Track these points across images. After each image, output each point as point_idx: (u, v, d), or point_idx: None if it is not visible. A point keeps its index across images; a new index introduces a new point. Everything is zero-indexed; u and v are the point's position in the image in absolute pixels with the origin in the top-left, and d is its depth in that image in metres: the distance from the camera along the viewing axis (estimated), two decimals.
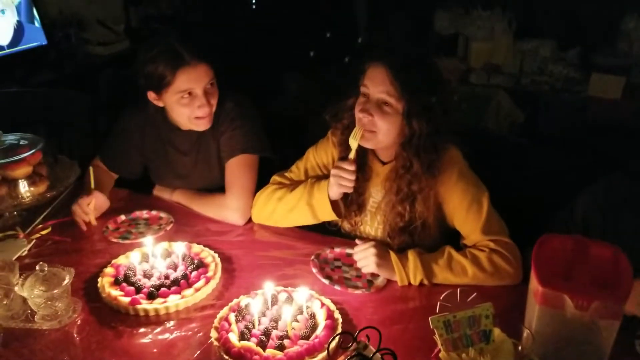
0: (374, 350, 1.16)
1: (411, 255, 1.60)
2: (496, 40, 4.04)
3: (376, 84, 1.61)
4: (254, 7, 4.95)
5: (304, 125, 2.51)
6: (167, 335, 1.44)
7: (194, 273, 1.61)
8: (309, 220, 1.82)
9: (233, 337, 1.34)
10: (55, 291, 1.44)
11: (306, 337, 1.34)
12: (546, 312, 1.22)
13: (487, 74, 3.97)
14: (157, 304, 1.50)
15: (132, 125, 2.12)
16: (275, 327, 1.38)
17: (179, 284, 1.57)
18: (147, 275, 1.61)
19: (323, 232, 1.88)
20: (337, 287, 1.58)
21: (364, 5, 4.84)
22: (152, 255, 1.68)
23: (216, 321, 1.42)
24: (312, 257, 1.70)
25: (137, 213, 2.01)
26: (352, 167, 1.67)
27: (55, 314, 1.47)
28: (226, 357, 1.29)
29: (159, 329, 1.46)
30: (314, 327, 1.38)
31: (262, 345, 1.32)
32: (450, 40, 4.22)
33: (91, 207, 1.91)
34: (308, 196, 1.78)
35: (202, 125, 1.94)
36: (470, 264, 1.58)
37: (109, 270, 1.64)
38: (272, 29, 4.71)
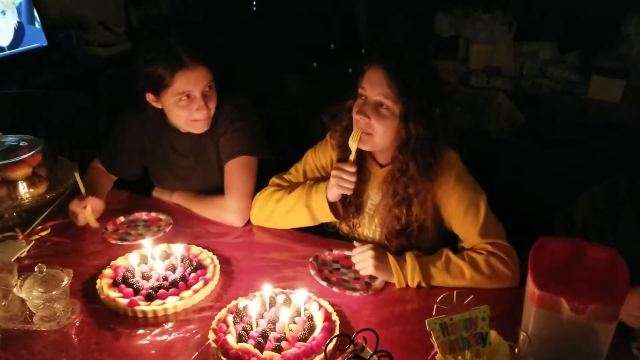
0: (371, 353, 1.16)
1: (409, 258, 1.60)
2: (496, 43, 4.05)
3: (374, 86, 1.61)
4: (254, 8, 4.95)
5: (304, 127, 2.51)
6: (165, 336, 1.44)
7: (193, 275, 1.62)
8: (307, 222, 1.83)
9: (231, 339, 1.34)
10: (53, 292, 1.44)
11: (304, 339, 1.35)
12: (543, 314, 1.23)
13: (488, 76, 3.97)
14: (156, 306, 1.50)
15: (131, 127, 2.12)
16: (273, 329, 1.38)
17: (177, 286, 1.57)
18: (146, 277, 1.62)
19: (321, 234, 1.89)
20: (335, 289, 1.58)
21: (365, 6, 4.84)
22: (150, 256, 1.68)
23: (214, 323, 1.42)
24: (311, 259, 1.70)
25: (137, 215, 2.01)
26: (352, 169, 1.67)
27: (53, 315, 1.47)
28: (224, 358, 1.29)
29: (157, 331, 1.46)
30: (311, 329, 1.38)
31: (260, 347, 1.33)
32: (450, 42, 4.22)
33: (88, 210, 1.91)
34: (306, 198, 1.78)
35: (199, 128, 1.94)
36: (468, 267, 1.58)
37: (107, 271, 1.65)
38: (272, 30, 4.71)
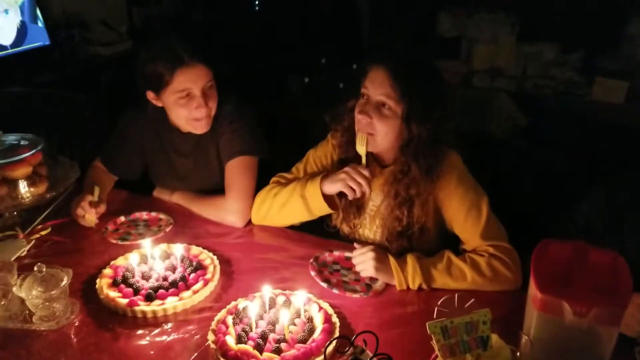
0: (371, 355, 1.15)
1: (410, 260, 1.59)
2: (499, 43, 4.03)
3: (376, 86, 1.61)
4: (257, 7, 4.94)
5: (306, 127, 2.50)
6: (164, 337, 1.43)
7: (192, 275, 1.61)
8: (302, 214, 1.81)
9: (230, 340, 1.34)
10: (53, 292, 1.44)
11: (303, 341, 1.34)
12: (545, 318, 1.21)
13: (490, 76, 3.97)
14: (155, 306, 1.50)
15: (132, 126, 2.12)
16: (273, 331, 1.38)
17: (177, 286, 1.56)
18: (146, 277, 1.61)
19: (322, 235, 1.88)
20: (335, 291, 1.57)
21: (367, 6, 4.83)
22: (150, 256, 1.68)
23: (213, 324, 1.41)
24: (311, 260, 1.70)
25: (137, 214, 2.01)
26: (367, 173, 1.66)
27: (53, 315, 1.47)
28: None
29: (156, 331, 1.45)
30: (311, 331, 1.37)
31: (259, 348, 1.32)
32: (453, 43, 4.21)
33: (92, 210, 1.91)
34: (301, 188, 1.78)
35: (199, 128, 1.94)
36: (470, 269, 1.57)
37: (107, 271, 1.64)
38: (274, 30, 4.71)
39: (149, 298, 1.52)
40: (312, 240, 1.85)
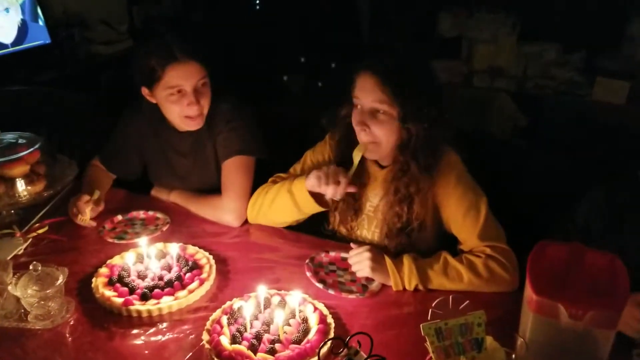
0: (365, 356, 1.15)
1: (406, 260, 1.59)
2: (500, 43, 4.02)
3: (367, 94, 1.60)
4: (257, 7, 4.94)
5: (306, 127, 2.50)
6: (159, 337, 1.43)
7: (188, 274, 1.61)
8: (291, 210, 1.80)
9: (224, 340, 1.33)
10: (48, 291, 1.44)
11: (298, 342, 1.34)
12: (540, 320, 1.21)
13: (490, 77, 3.95)
14: (150, 305, 1.49)
15: (131, 126, 2.12)
16: (267, 331, 1.37)
17: (172, 286, 1.56)
18: (141, 276, 1.60)
19: (319, 235, 1.88)
20: (331, 292, 1.57)
21: (368, 6, 4.82)
22: (146, 256, 1.67)
23: (208, 323, 1.41)
24: (307, 261, 1.69)
25: (134, 213, 2.00)
26: (345, 180, 1.63)
27: (48, 314, 1.47)
28: None
29: (151, 331, 1.45)
30: (306, 332, 1.37)
31: (253, 349, 1.32)
32: (453, 43, 4.20)
33: (88, 209, 1.91)
34: (289, 184, 1.78)
35: (192, 125, 1.94)
36: (466, 270, 1.57)
37: (103, 270, 1.64)
38: (276, 30, 4.70)
39: (144, 297, 1.52)
40: (308, 240, 1.85)
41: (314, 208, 1.76)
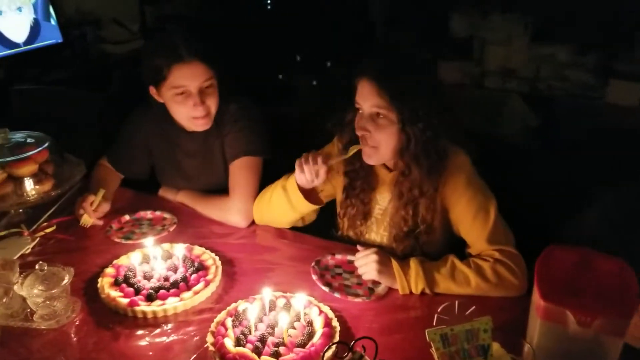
0: None
1: (413, 263, 1.57)
2: (512, 44, 3.99)
3: (365, 99, 1.59)
4: (269, 7, 4.94)
5: (315, 128, 2.49)
6: (164, 338, 1.42)
7: (194, 276, 1.60)
8: (286, 209, 1.80)
9: (229, 343, 1.33)
10: (54, 291, 1.44)
11: (302, 345, 1.32)
12: (548, 327, 1.19)
13: (503, 78, 3.92)
14: (155, 306, 1.49)
15: (139, 126, 2.12)
16: (272, 334, 1.36)
17: (178, 287, 1.55)
18: (147, 277, 1.60)
19: (326, 237, 1.87)
20: (336, 295, 1.55)
21: (380, 6, 4.81)
22: (152, 256, 1.67)
23: (213, 325, 1.40)
24: (313, 264, 1.68)
25: (141, 213, 2.00)
26: (323, 167, 1.65)
27: (53, 314, 1.47)
28: None
29: (156, 332, 1.45)
30: (310, 335, 1.36)
31: (258, 351, 1.31)
32: (465, 43, 4.17)
33: (92, 208, 1.92)
34: (284, 180, 1.78)
35: (200, 126, 1.94)
36: (474, 274, 1.55)
37: (109, 270, 1.64)
38: (287, 30, 4.70)
39: (149, 298, 1.51)
40: (315, 242, 1.84)
41: (304, 205, 1.76)
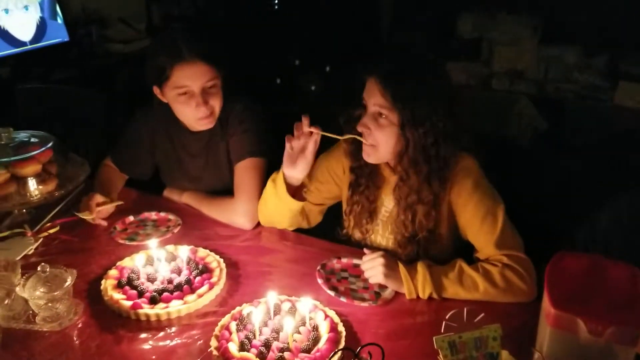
0: None
1: (420, 268, 1.55)
2: (521, 45, 3.96)
3: (370, 97, 1.58)
4: (276, 7, 4.92)
5: (324, 127, 2.47)
6: (167, 341, 1.41)
7: (198, 278, 1.58)
8: (276, 202, 1.78)
9: (233, 347, 1.31)
10: (56, 293, 1.42)
11: (307, 350, 1.30)
12: (559, 335, 1.17)
13: (511, 79, 3.90)
14: (159, 309, 1.47)
15: (144, 126, 2.11)
16: (276, 338, 1.34)
17: (182, 289, 1.54)
18: (151, 279, 1.58)
19: (332, 240, 1.85)
20: (342, 299, 1.53)
21: (389, 7, 4.79)
22: (156, 258, 1.65)
23: (217, 329, 1.38)
24: (318, 268, 1.65)
25: (146, 214, 1.99)
26: (310, 128, 1.64)
27: (56, 316, 1.45)
28: None
29: (159, 335, 1.43)
30: (316, 340, 1.34)
31: (262, 356, 1.29)
32: (473, 44, 4.15)
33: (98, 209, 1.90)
34: (275, 174, 1.78)
35: (204, 125, 1.93)
36: (482, 279, 1.52)
37: (113, 272, 1.62)
38: (294, 30, 4.68)
39: (153, 301, 1.49)
40: (320, 244, 1.82)
41: (288, 200, 1.74)
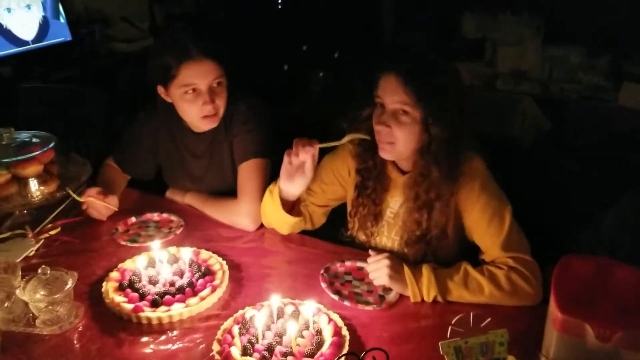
0: None
1: (425, 270, 1.53)
2: (525, 46, 3.95)
3: (390, 94, 1.55)
4: (279, 7, 4.91)
5: (327, 128, 2.45)
6: (169, 345, 1.39)
7: (200, 281, 1.56)
8: (272, 211, 1.78)
9: (235, 352, 1.29)
10: (56, 295, 1.40)
11: (311, 355, 1.29)
12: (565, 340, 1.15)
13: (514, 80, 3.88)
14: (161, 312, 1.45)
15: (146, 126, 2.09)
16: (280, 343, 1.32)
17: (184, 292, 1.52)
18: (153, 282, 1.57)
19: (336, 242, 1.83)
20: (346, 303, 1.51)
21: (391, 6, 4.77)
22: (158, 260, 1.64)
23: (219, 333, 1.37)
24: (322, 272, 1.63)
25: (148, 215, 1.97)
26: (311, 151, 1.63)
27: (56, 319, 1.43)
28: None
29: (161, 339, 1.41)
30: (319, 344, 1.32)
31: None
32: (477, 44, 4.13)
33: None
34: (272, 185, 1.77)
35: (208, 124, 1.92)
36: (487, 282, 1.51)
37: (114, 274, 1.60)
38: (298, 29, 4.67)
39: (154, 304, 1.48)
40: (324, 246, 1.80)
41: (281, 214, 1.75)
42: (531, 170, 2.03)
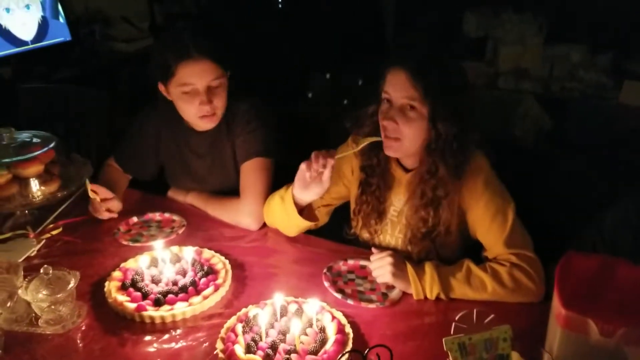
0: None
1: (428, 268, 1.53)
2: (526, 44, 3.94)
3: (397, 90, 1.54)
4: (280, 6, 4.91)
5: (328, 128, 2.45)
6: (172, 344, 1.39)
7: (203, 280, 1.56)
8: (284, 218, 1.77)
9: (239, 350, 1.29)
10: (59, 295, 1.40)
11: (314, 352, 1.29)
12: (569, 336, 1.15)
13: (516, 78, 3.87)
14: (164, 311, 1.46)
15: (148, 126, 2.09)
16: (283, 341, 1.33)
17: (187, 291, 1.52)
18: (155, 281, 1.57)
19: (339, 240, 1.83)
20: (350, 302, 1.51)
21: (392, 6, 4.77)
22: (161, 260, 1.63)
23: (223, 331, 1.37)
24: (325, 270, 1.63)
25: (150, 215, 1.97)
26: (330, 162, 1.56)
27: (59, 319, 1.43)
28: None
29: (164, 338, 1.41)
30: (323, 342, 1.32)
31: (269, 359, 1.27)
32: (478, 43, 4.12)
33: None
34: (284, 190, 1.75)
35: (207, 123, 1.92)
36: (490, 279, 1.51)
37: (116, 274, 1.60)
38: (298, 29, 4.67)
39: (157, 303, 1.48)
40: (328, 245, 1.80)
41: (298, 220, 1.72)
42: (532, 168, 2.03)
